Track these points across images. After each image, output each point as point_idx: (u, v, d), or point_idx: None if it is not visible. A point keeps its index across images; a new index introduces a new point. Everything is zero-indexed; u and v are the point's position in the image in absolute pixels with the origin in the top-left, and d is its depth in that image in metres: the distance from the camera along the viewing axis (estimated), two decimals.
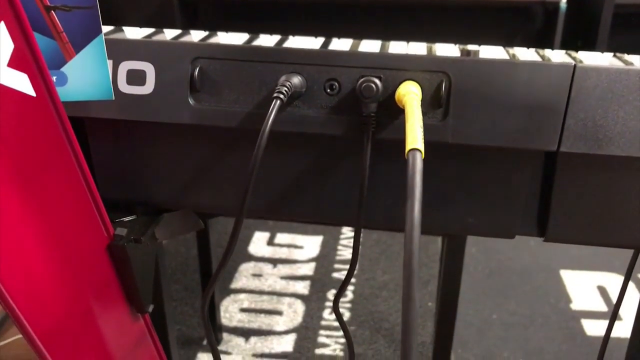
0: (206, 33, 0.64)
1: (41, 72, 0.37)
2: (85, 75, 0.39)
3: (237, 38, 0.64)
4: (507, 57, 0.59)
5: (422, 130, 0.34)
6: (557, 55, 0.58)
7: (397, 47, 0.62)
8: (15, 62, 0.35)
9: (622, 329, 1.46)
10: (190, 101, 0.44)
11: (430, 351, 1.36)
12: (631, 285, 1.61)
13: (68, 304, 0.44)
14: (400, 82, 0.42)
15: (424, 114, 0.42)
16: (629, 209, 0.43)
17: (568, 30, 1.52)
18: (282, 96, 0.40)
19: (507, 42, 1.55)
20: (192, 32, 0.65)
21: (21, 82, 0.36)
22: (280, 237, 1.80)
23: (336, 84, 0.43)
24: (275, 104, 0.39)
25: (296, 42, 0.64)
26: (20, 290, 0.39)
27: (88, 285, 0.45)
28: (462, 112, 0.41)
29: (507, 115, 0.41)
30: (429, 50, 0.62)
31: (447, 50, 0.62)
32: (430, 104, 0.42)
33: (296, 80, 0.42)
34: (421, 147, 0.32)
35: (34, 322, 0.40)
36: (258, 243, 1.77)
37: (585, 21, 1.48)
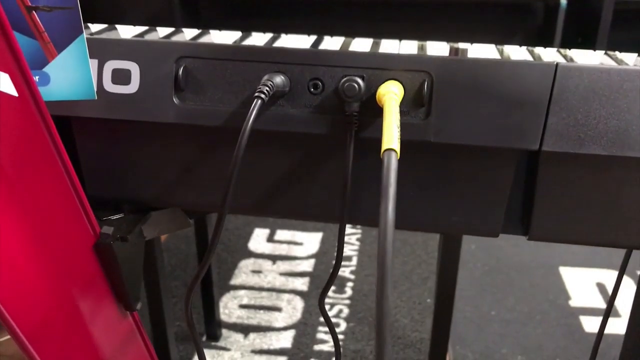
0: (198, 31, 0.65)
1: (22, 72, 0.37)
2: (67, 75, 0.39)
3: (228, 36, 0.64)
4: (496, 55, 0.59)
5: (398, 130, 0.34)
6: (549, 54, 0.58)
7: (388, 46, 0.62)
8: None
9: (621, 326, 1.46)
10: (175, 100, 0.44)
11: (429, 347, 1.36)
12: (630, 281, 1.61)
13: (55, 303, 0.44)
14: (383, 82, 0.42)
15: (406, 113, 0.42)
16: (612, 208, 0.43)
17: (568, 27, 1.52)
18: (262, 96, 0.40)
19: (507, 39, 1.55)
20: (185, 30, 0.65)
21: (2, 82, 0.36)
22: (280, 234, 1.81)
23: (320, 83, 0.43)
24: (256, 104, 0.40)
25: (287, 40, 0.64)
26: (6, 290, 0.39)
27: (75, 283, 0.45)
28: (444, 111, 0.42)
29: (490, 115, 0.41)
30: (420, 48, 0.62)
31: (438, 48, 0.62)
32: (412, 103, 0.42)
33: (279, 79, 0.42)
34: (396, 147, 0.33)
35: (20, 321, 0.41)
36: (258, 239, 1.78)
37: (585, 18, 1.48)
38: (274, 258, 1.70)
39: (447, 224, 0.46)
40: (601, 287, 1.61)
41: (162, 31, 0.63)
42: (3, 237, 0.38)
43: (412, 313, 1.51)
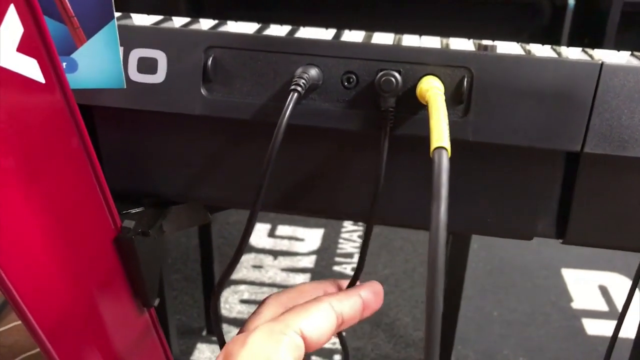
0: (215, 22, 0.63)
1: (51, 58, 0.35)
2: (96, 62, 0.38)
3: (247, 27, 0.63)
4: (523, 53, 0.58)
5: (447, 127, 0.33)
6: (574, 53, 0.57)
7: (410, 41, 0.61)
8: (24, 47, 0.34)
9: (626, 329, 1.45)
10: (203, 91, 0.42)
11: None
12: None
13: (73, 297, 0.43)
14: (420, 77, 0.41)
15: None
16: None
17: (575, 26, 1.51)
18: (299, 89, 0.39)
19: (514, 38, 1.54)
20: (201, 20, 0.63)
21: (30, 68, 0.35)
22: (281, 229, 1.80)
23: (353, 77, 0.42)
24: (292, 97, 0.38)
25: (307, 32, 0.62)
26: (25, 283, 0.38)
27: (94, 278, 0.44)
28: (484, 110, 0.40)
29: (531, 114, 0.40)
30: (444, 44, 0.60)
31: (462, 44, 0.61)
32: (450, 100, 0.40)
33: (313, 72, 0.41)
34: (447, 145, 0.31)
35: (38, 315, 0.39)
36: (259, 234, 1.77)
37: (593, 18, 1.47)
38: (275, 253, 1.69)
39: (481, 226, 0.45)
40: (603, 290, 1.61)
41: (178, 21, 0.62)
42: (25, 228, 0.37)
43: (413, 312, 1.50)
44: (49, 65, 0.35)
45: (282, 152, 0.41)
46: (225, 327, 1.43)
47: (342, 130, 0.42)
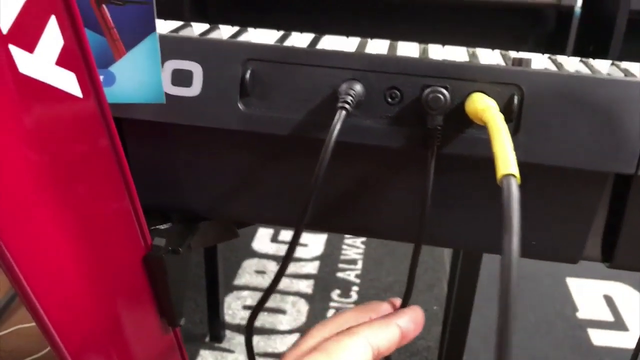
0: (235, 29, 0.61)
1: (90, 72, 0.34)
2: (135, 76, 0.36)
3: (265, 35, 0.61)
4: (551, 65, 0.56)
5: (513, 151, 0.31)
6: (604, 66, 0.55)
7: (434, 50, 0.59)
8: (63, 61, 0.32)
9: (629, 339, 1.44)
10: (240, 106, 0.41)
11: (436, 356, 1.34)
12: (637, 295, 1.60)
13: (99, 315, 0.41)
14: (468, 94, 0.39)
15: None
16: None
17: (581, 35, 1.50)
18: (347, 106, 0.37)
19: (518, 45, 1.53)
20: (222, 27, 0.61)
21: (68, 82, 0.33)
22: (285, 234, 1.78)
23: (397, 92, 0.40)
24: (340, 115, 0.36)
25: (328, 41, 0.61)
26: (51, 298, 0.36)
27: (121, 297, 0.42)
28: (535, 129, 0.39)
29: (583, 135, 0.38)
30: (470, 54, 0.59)
31: (488, 55, 0.59)
32: None
33: (358, 87, 0.39)
34: (516, 172, 0.30)
35: (62, 331, 0.37)
36: (262, 239, 1.75)
37: (598, 27, 1.46)
38: (278, 259, 1.67)
39: (525, 249, 0.43)
40: (608, 300, 1.60)
41: (197, 27, 0.60)
42: (55, 245, 0.35)
43: None
44: (88, 79, 0.34)
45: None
46: (228, 333, 1.41)
47: (383, 147, 0.41)
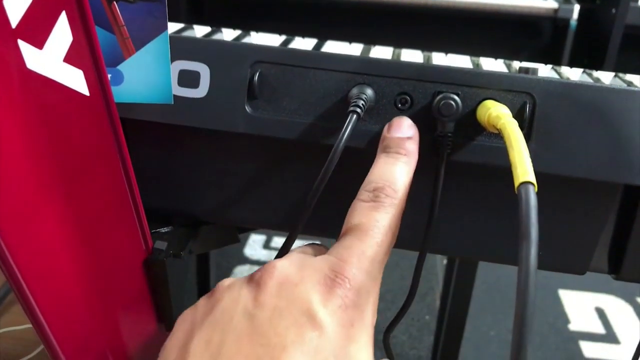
0: (238, 32, 0.61)
1: (98, 70, 0.33)
2: (143, 75, 0.35)
3: (270, 39, 0.60)
4: (558, 77, 0.56)
5: (530, 159, 0.30)
6: (605, 77, 0.55)
7: (438, 59, 0.59)
8: (71, 58, 0.31)
9: (621, 353, 1.44)
10: (247, 108, 0.40)
11: None
12: (629, 308, 1.60)
13: (98, 320, 0.40)
14: (479, 101, 0.39)
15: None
16: None
17: (576, 47, 1.51)
18: (359, 110, 0.36)
19: (513, 56, 1.53)
20: (224, 30, 0.61)
21: (75, 79, 0.32)
22: (277, 241, 1.77)
23: (408, 98, 0.39)
24: (351, 118, 0.36)
25: (332, 47, 0.60)
26: (49, 300, 0.35)
27: (120, 299, 0.41)
28: (546, 138, 0.38)
29: (594, 145, 0.38)
30: (474, 63, 0.59)
31: (492, 64, 0.59)
32: None
33: (370, 92, 0.38)
34: (534, 180, 0.29)
35: (61, 338, 0.37)
36: (254, 246, 1.74)
37: (594, 40, 1.46)
38: None
39: None
40: (600, 312, 1.60)
41: (199, 30, 0.59)
42: (55, 245, 0.34)
43: (410, 330, 1.48)
44: (95, 77, 0.33)
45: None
46: None
47: None
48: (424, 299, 1.58)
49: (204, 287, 1.33)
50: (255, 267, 1.65)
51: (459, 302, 1.14)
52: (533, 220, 0.27)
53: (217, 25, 0.59)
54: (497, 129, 0.34)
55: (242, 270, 1.63)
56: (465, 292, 1.13)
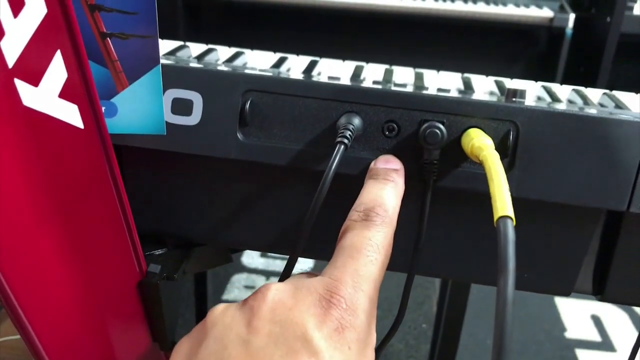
0: (233, 51, 0.62)
1: (92, 104, 0.34)
2: (137, 108, 0.36)
3: (262, 58, 0.61)
4: (545, 95, 0.57)
5: (509, 193, 0.31)
6: (595, 94, 0.56)
7: (429, 76, 0.60)
8: (66, 93, 0.32)
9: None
10: (239, 135, 0.41)
11: None
12: (625, 316, 1.61)
13: (92, 341, 0.41)
14: (464, 129, 0.40)
15: None
16: None
17: (571, 55, 1.52)
18: (346, 141, 0.37)
19: (509, 65, 1.55)
20: (218, 47, 0.62)
21: (70, 114, 0.33)
22: None
23: (395, 125, 0.41)
24: (339, 149, 0.37)
25: (324, 65, 0.61)
26: (43, 322, 0.36)
27: (114, 321, 0.42)
28: (529, 165, 0.39)
29: (576, 171, 0.39)
30: (464, 80, 0.60)
31: (482, 82, 0.60)
32: None
33: (357, 121, 0.39)
34: (512, 213, 0.30)
35: (53, 356, 0.38)
36: (251, 254, 1.74)
37: (589, 48, 1.48)
38: (267, 274, 1.67)
39: (517, 281, 0.44)
40: (596, 320, 1.60)
41: (194, 48, 0.60)
42: (50, 269, 0.35)
43: (406, 338, 1.49)
44: (90, 111, 0.34)
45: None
46: None
47: None
48: (420, 307, 1.59)
49: (202, 296, 1.34)
50: (253, 276, 1.65)
51: (455, 310, 1.15)
52: (510, 254, 0.28)
53: (215, 40, 0.60)
54: (479, 160, 0.35)
55: (240, 279, 1.64)
56: (461, 301, 1.14)
